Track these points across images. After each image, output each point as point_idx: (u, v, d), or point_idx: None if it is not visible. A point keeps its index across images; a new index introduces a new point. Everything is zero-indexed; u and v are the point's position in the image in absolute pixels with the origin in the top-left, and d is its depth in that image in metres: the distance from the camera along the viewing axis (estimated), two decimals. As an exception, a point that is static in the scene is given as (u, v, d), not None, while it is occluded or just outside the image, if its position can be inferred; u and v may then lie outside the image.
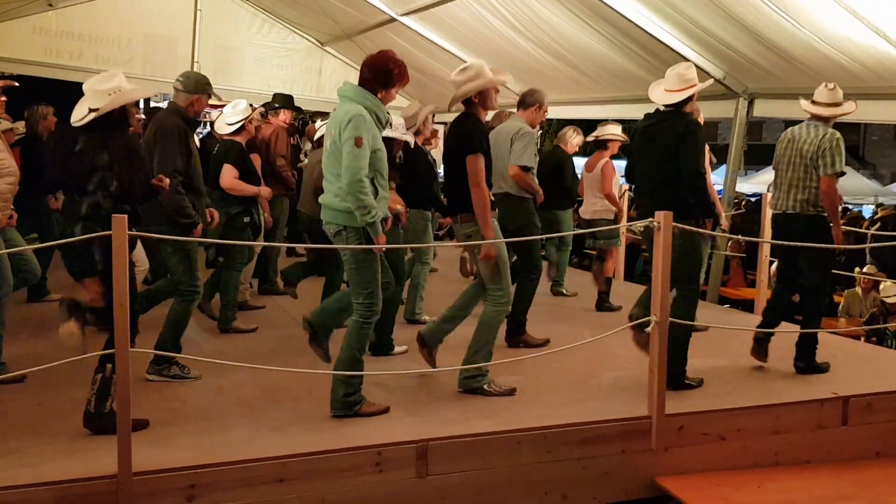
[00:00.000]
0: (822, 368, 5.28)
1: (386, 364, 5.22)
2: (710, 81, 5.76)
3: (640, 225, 4.75)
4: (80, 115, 4.01)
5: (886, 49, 6.07)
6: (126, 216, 3.36)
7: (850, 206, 19.95)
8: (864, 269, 9.77)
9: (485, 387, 4.64)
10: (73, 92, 6.15)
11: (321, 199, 4.31)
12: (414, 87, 12.77)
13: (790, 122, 5.70)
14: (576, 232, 7.74)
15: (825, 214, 5.17)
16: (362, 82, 4.20)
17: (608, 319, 6.75)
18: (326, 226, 4.27)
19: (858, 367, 5.54)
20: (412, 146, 5.98)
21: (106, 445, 3.48)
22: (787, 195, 5.27)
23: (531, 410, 4.36)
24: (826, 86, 5.28)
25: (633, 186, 5.42)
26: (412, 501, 3.82)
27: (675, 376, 4.71)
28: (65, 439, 3.79)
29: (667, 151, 4.76)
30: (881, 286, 8.78)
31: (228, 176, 5.92)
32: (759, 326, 5.48)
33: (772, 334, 5.39)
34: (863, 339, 7.85)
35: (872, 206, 21.79)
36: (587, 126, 8.10)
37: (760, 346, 5.39)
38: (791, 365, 5.29)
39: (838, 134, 5.14)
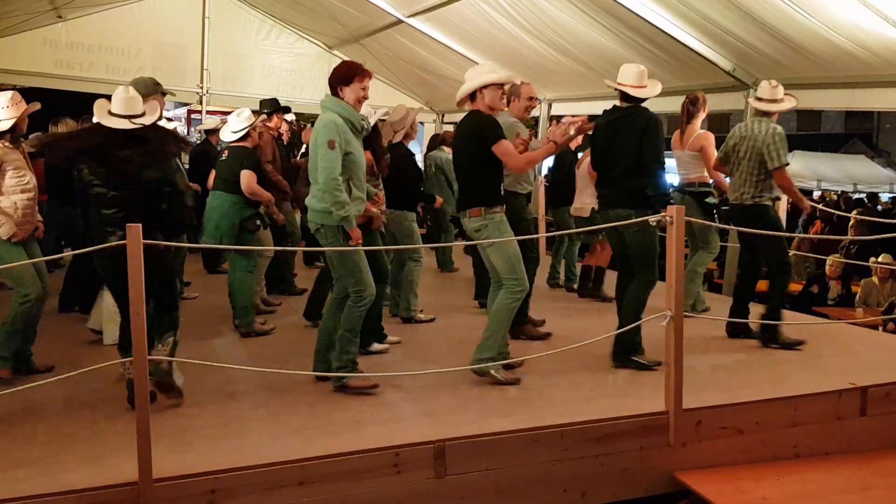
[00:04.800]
0: (790, 344, 5.49)
1: (401, 366, 5.24)
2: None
3: (653, 220, 4.73)
4: None
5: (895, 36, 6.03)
6: (140, 224, 3.40)
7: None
8: (880, 259, 9.69)
9: (492, 371, 4.75)
10: (84, 103, 6.21)
11: (306, 201, 4.66)
12: (423, 87, 12.85)
13: (801, 113, 5.73)
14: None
15: (765, 203, 5.61)
16: (332, 90, 4.59)
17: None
18: (309, 224, 4.64)
19: (876, 356, 5.52)
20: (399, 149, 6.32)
21: (126, 452, 3.51)
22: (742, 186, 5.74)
23: (548, 408, 4.36)
24: (770, 83, 5.69)
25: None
26: (431, 501, 3.83)
27: (623, 353, 5.04)
28: (85, 447, 3.81)
29: (629, 144, 4.99)
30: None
31: (250, 181, 6.02)
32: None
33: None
34: (881, 328, 7.79)
35: (888, 194, 21.65)
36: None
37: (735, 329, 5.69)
38: (808, 356, 5.28)
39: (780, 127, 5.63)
